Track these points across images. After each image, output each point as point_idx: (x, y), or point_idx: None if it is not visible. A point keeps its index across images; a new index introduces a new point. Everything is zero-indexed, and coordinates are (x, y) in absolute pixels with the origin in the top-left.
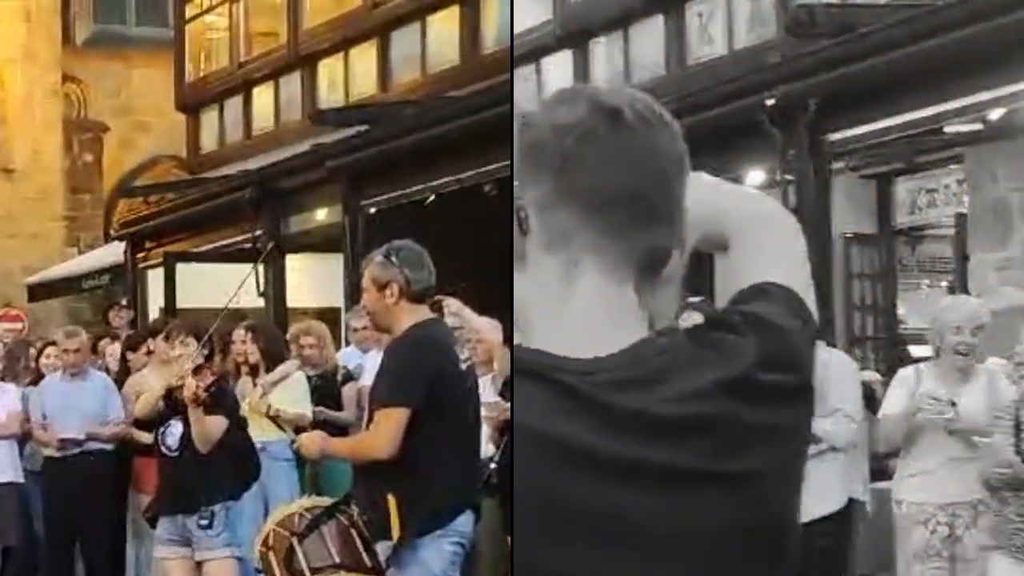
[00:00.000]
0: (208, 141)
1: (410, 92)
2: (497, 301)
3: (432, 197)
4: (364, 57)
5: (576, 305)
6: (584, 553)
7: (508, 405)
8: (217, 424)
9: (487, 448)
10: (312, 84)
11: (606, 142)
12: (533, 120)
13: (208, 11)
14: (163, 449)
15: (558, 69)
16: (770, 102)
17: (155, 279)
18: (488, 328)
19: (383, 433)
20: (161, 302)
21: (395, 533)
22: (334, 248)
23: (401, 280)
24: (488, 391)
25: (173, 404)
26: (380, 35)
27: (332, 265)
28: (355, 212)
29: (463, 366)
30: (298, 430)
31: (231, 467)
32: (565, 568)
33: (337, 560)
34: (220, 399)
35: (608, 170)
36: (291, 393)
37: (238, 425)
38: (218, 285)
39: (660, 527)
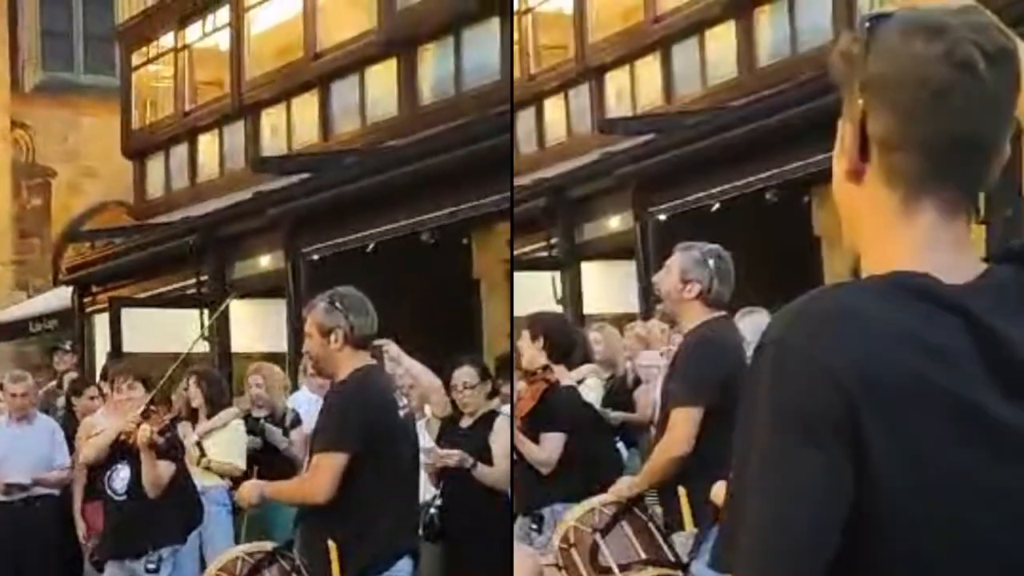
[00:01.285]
0: (154, 187)
1: (351, 141)
2: (436, 346)
3: (373, 245)
4: (306, 107)
5: (916, 240)
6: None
7: (445, 452)
8: (167, 469)
9: (426, 493)
10: (255, 133)
11: (958, 97)
12: (887, 43)
13: (154, 60)
14: (109, 493)
15: (381, 77)
16: None
17: (102, 323)
18: (423, 373)
19: (321, 478)
20: (108, 346)
21: None
22: (277, 294)
23: (345, 326)
24: (424, 436)
25: (120, 448)
26: (321, 85)
27: (275, 310)
28: (297, 258)
29: (402, 412)
30: (234, 479)
31: (177, 511)
32: None
33: None
34: (171, 444)
35: (955, 123)
36: (226, 442)
37: (184, 469)
38: (163, 330)
39: None
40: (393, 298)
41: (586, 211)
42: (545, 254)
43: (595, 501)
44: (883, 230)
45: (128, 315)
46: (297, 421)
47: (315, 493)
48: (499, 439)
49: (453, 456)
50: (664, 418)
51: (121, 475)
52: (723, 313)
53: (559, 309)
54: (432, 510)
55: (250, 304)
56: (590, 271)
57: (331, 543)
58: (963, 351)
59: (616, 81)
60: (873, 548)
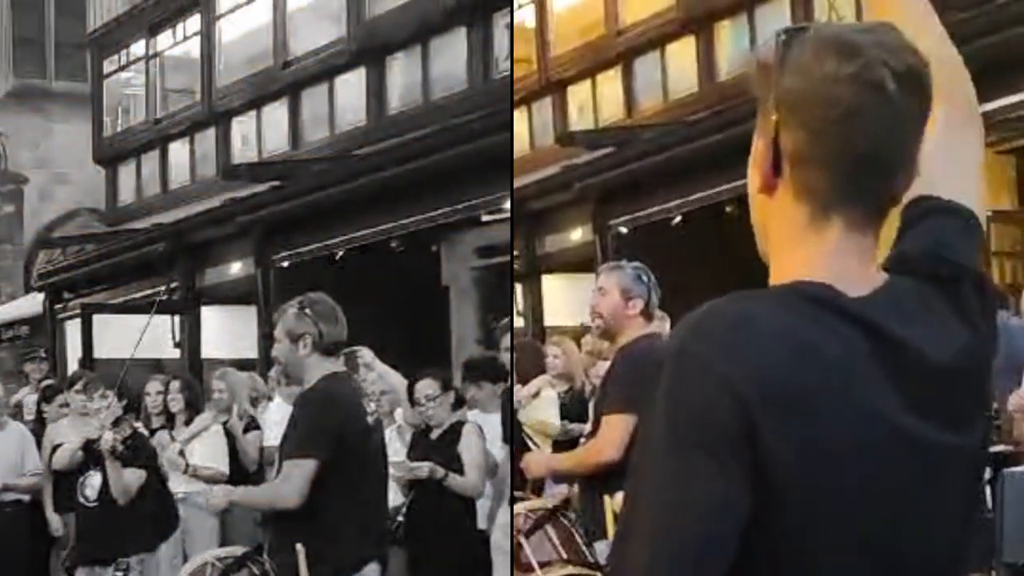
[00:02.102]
0: (125, 194)
1: (320, 150)
2: (404, 353)
3: (341, 252)
4: (276, 115)
5: (822, 252)
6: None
7: (416, 465)
8: (135, 476)
9: (396, 499)
10: (226, 140)
11: (868, 118)
12: (801, 60)
13: (125, 67)
14: (81, 499)
15: (350, 86)
16: None
17: (73, 330)
18: (396, 379)
19: (291, 483)
20: (79, 352)
21: None
22: (247, 300)
23: (314, 333)
24: (396, 443)
25: (92, 455)
26: (291, 94)
27: (246, 317)
28: (267, 265)
29: (370, 419)
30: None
31: (148, 518)
32: None
33: None
34: (138, 451)
35: (864, 142)
36: (209, 447)
37: (158, 476)
38: (135, 336)
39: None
40: (362, 305)
41: (547, 224)
42: (165, 297)
43: (521, 507)
44: (792, 242)
45: (99, 321)
46: (254, 426)
47: (286, 498)
48: (469, 448)
49: (423, 468)
50: (597, 426)
51: (92, 482)
52: (344, 369)
53: (520, 322)
54: (400, 517)
55: (221, 311)
56: (551, 284)
57: (299, 547)
58: (862, 360)
59: (243, 126)
60: (771, 553)
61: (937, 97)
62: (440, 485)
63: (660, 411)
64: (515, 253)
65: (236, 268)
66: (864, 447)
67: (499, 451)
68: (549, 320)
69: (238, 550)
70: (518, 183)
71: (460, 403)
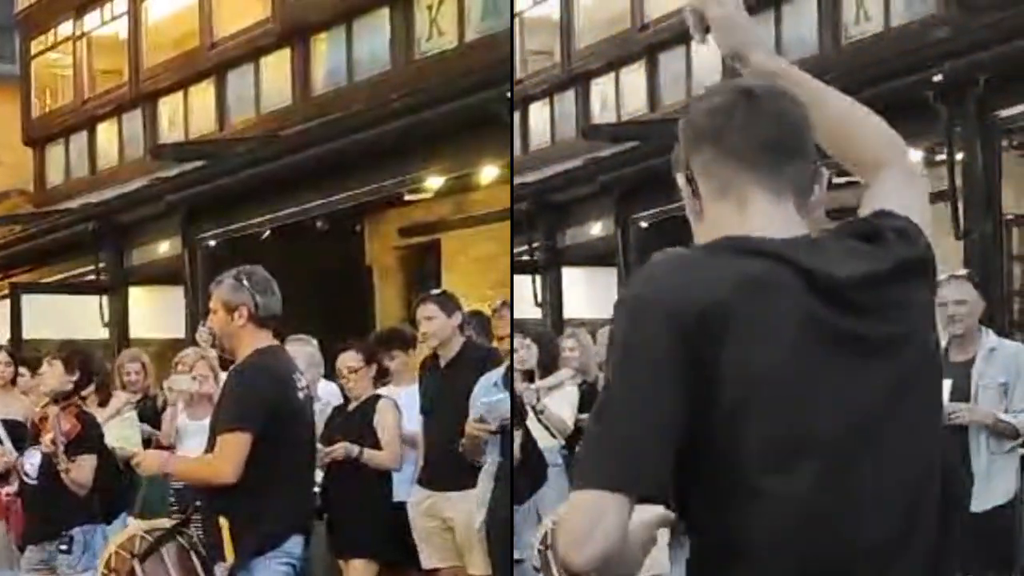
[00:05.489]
0: (54, 175)
1: (246, 130)
2: (329, 331)
3: (267, 231)
4: (202, 95)
5: (752, 221)
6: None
7: (329, 449)
8: (87, 465)
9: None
10: (153, 120)
11: (745, 110)
12: (692, 108)
13: (53, 48)
14: (23, 478)
15: (276, 66)
16: (937, 78)
17: (2, 309)
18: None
19: (227, 457)
20: (8, 332)
21: (229, 555)
22: (175, 280)
23: (251, 304)
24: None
25: (32, 434)
26: (217, 75)
27: (174, 297)
28: (194, 245)
29: (301, 394)
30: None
31: (94, 491)
32: None
33: None
34: (86, 437)
35: (753, 128)
36: (124, 428)
37: (105, 455)
38: (63, 316)
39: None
40: (287, 284)
41: (569, 216)
42: (93, 277)
43: (137, 527)
44: (724, 226)
45: (28, 301)
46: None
47: (221, 473)
48: (383, 423)
49: (338, 450)
50: (213, 442)
51: (32, 460)
52: (277, 343)
53: (539, 313)
54: (317, 490)
55: (149, 291)
56: (571, 276)
57: (223, 520)
58: (786, 282)
59: (170, 107)
60: (720, 455)
61: (890, 160)
62: (357, 461)
63: (618, 343)
64: (535, 245)
65: (164, 248)
66: (801, 346)
67: (416, 424)
68: (135, 333)
69: (167, 522)
70: (539, 176)
71: (381, 377)
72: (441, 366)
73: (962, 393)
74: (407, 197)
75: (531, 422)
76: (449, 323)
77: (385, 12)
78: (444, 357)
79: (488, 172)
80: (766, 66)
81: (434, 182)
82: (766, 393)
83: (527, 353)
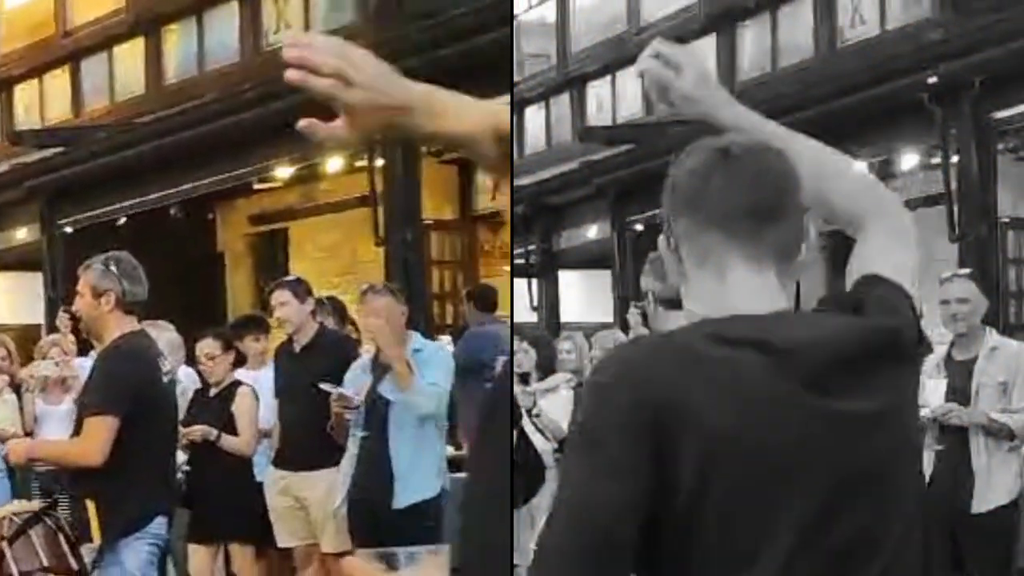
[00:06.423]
0: None
1: (101, 118)
2: (183, 316)
3: (124, 218)
4: (57, 83)
5: (731, 294)
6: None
7: (188, 429)
8: None
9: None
10: (9, 107)
11: (722, 173)
12: (672, 170)
13: None
14: None
15: (129, 56)
16: (932, 80)
17: None
18: None
19: (94, 440)
20: None
21: (96, 536)
22: (34, 267)
23: (118, 290)
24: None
25: None
26: (71, 63)
27: (33, 283)
28: (53, 231)
29: (165, 378)
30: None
31: None
32: None
33: (45, 563)
34: None
35: (729, 193)
36: (4, 410)
37: None
38: None
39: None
40: (143, 270)
41: (565, 219)
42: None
43: (6, 510)
44: (705, 296)
45: None
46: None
47: (88, 455)
48: (241, 409)
49: (196, 432)
50: (79, 426)
51: None
52: (141, 328)
53: (534, 317)
54: (180, 475)
55: (7, 276)
56: (567, 279)
57: (89, 503)
58: (759, 371)
59: (25, 93)
60: (696, 542)
61: (874, 213)
62: (214, 444)
63: (579, 428)
64: (531, 248)
65: (22, 234)
66: (763, 440)
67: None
68: (564, 316)
69: (35, 504)
70: (535, 179)
71: (239, 364)
72: (296, 351)
73: (963, 392)
74: (256, 186)
75: (526, 425)
76: (303, 308)
77: (235, 4)
78: (299, 342)
79: (334, 163)
80: (737, 124)
81: (284, 171)
82: (726, 486)
83: (525, 357)
